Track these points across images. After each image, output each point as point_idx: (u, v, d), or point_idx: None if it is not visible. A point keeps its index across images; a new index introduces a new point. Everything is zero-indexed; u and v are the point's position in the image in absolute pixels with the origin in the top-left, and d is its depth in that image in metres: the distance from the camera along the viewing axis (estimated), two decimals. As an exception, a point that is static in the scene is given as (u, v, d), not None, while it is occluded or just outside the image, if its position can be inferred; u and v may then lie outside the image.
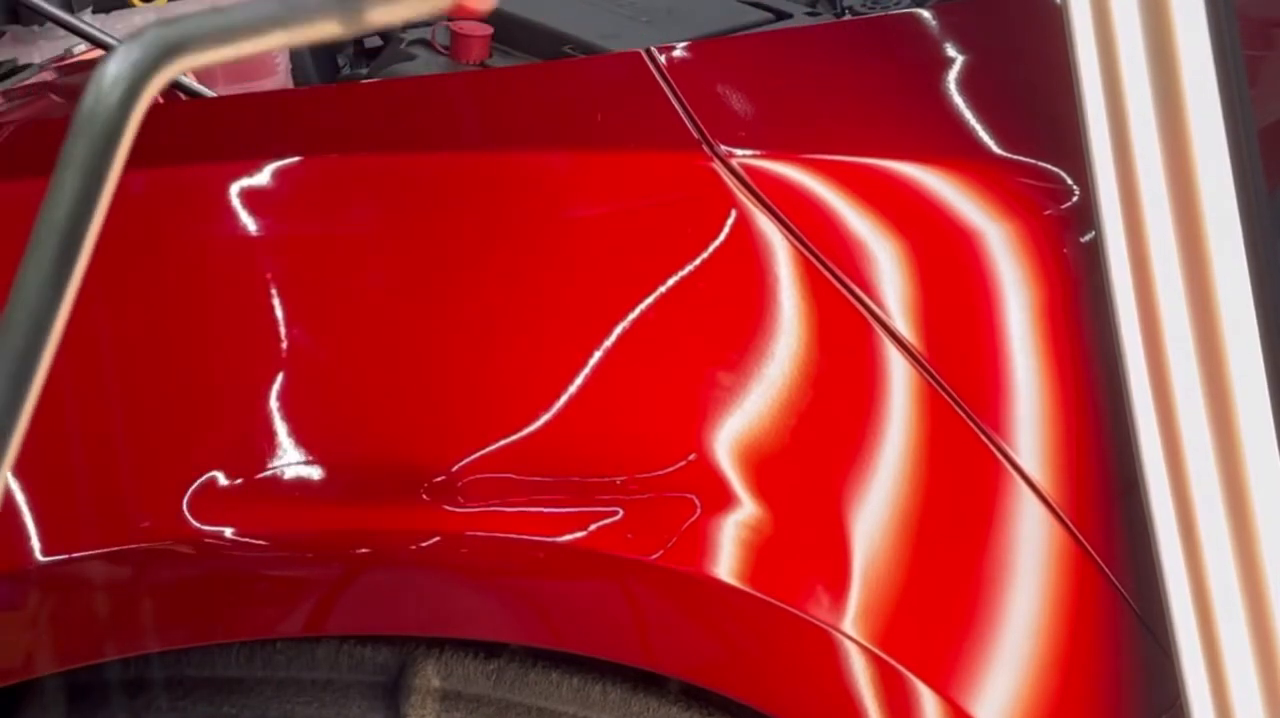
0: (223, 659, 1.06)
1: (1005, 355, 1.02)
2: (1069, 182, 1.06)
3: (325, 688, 1.07)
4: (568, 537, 0.94)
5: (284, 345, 0.98)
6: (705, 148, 1.01)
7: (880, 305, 1.00)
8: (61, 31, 1.59)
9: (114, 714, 1.08)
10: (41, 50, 1.67)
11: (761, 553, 0.95)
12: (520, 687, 1.05)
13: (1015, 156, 1.08)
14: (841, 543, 0.97)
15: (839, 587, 0.96)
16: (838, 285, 1.00)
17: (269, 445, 0.95)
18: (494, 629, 1.02)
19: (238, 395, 0.97)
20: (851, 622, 0.96)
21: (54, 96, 1.41)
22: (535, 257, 0.99)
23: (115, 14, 1.73)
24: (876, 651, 0.96)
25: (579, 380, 0.96)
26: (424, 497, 0.94)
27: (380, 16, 0.63)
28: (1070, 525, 1.02)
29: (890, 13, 1.45)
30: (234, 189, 1.01)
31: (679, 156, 1.01)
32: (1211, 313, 0.98)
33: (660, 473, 0.95)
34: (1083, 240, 1.05)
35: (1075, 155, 1.01)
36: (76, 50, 1.59)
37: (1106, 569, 1.03)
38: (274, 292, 0.99)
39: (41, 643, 1.00)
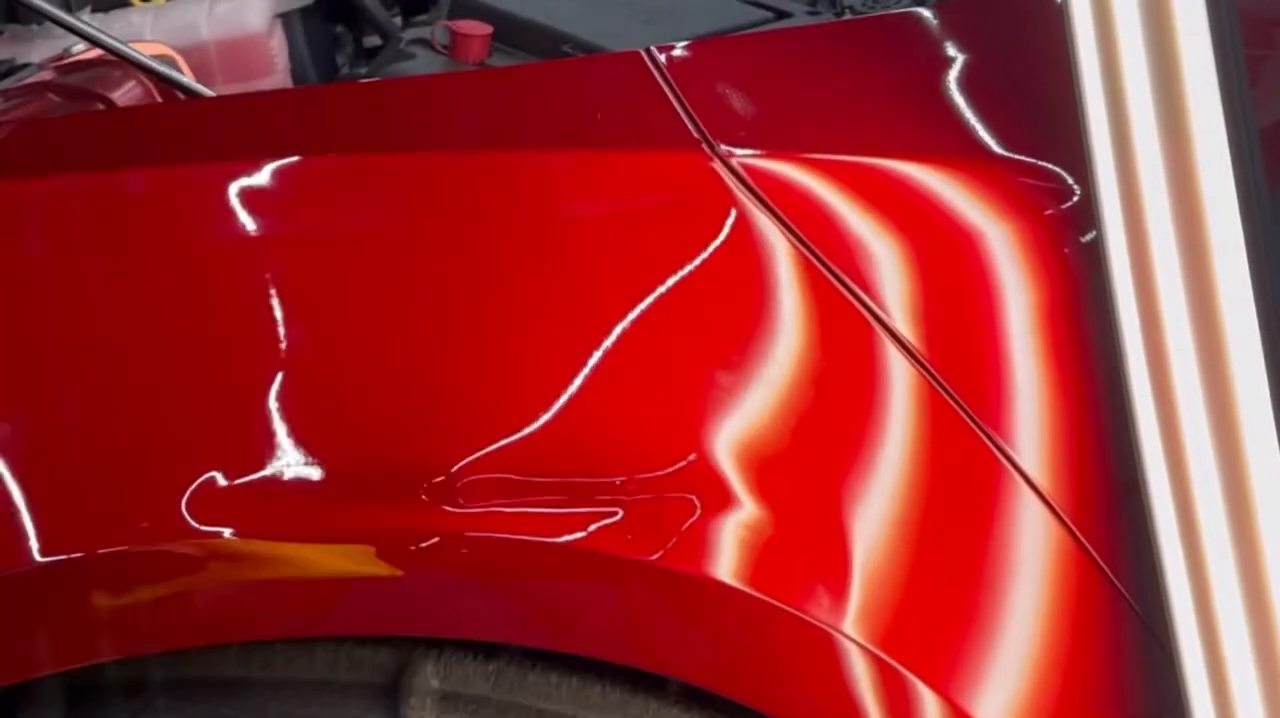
0: (221, 660, 1.06)
1: (1005, 355, 1.02)
2: (1069, 181, 1.06)
3: (324, 689, 1.07)
4: (568, 537, 0.94)
5: (284, 345, 0.98)
6: (705, 148, 1.01)
7: (880, 305, 1.00)
8: (60, 31, 1.60)
9: (113, 715, 1.08)
10: (40, 50, 1.67)
11: (761, 553, 0.95)
12: (519, 688, 1.04)
13: (1015, 156, 1.08)
14: (841, 543, 0.97)
15: (839, 587, 0.96)
16: (838, 285, 1.00)
17: (269, 445, 0.95)
18: (494, 630, 1.02)
19: (237, 395, 0.97)
20: (851, 622, 0.96)
21: (53, 96, 1.41)
22: (535, 256, 0.99)
23: (114, 14, 1.74)
24: (876, 651, 0.96)
25: (579, 380, 0.96)
26: (424, 497, 0.94)
27: None
28: (1070, 526, 1.02)
29: (890, 13, 1.45)
30: (234, 189, 1.01)
31: (679, 156, 1.01)
32: (1211, 313, 0.98)
33: (660, 473, 0.95)
34: (1083, 240, 1.05)
35: (1075, 155, 1.01)
36: (75, 50, 1.59)
37: (1106, 569, 1.02)
38: (274, 291, 0.98)
39: (41, 643, 1.00)
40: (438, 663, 1.04)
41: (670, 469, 0.96)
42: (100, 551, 0.96)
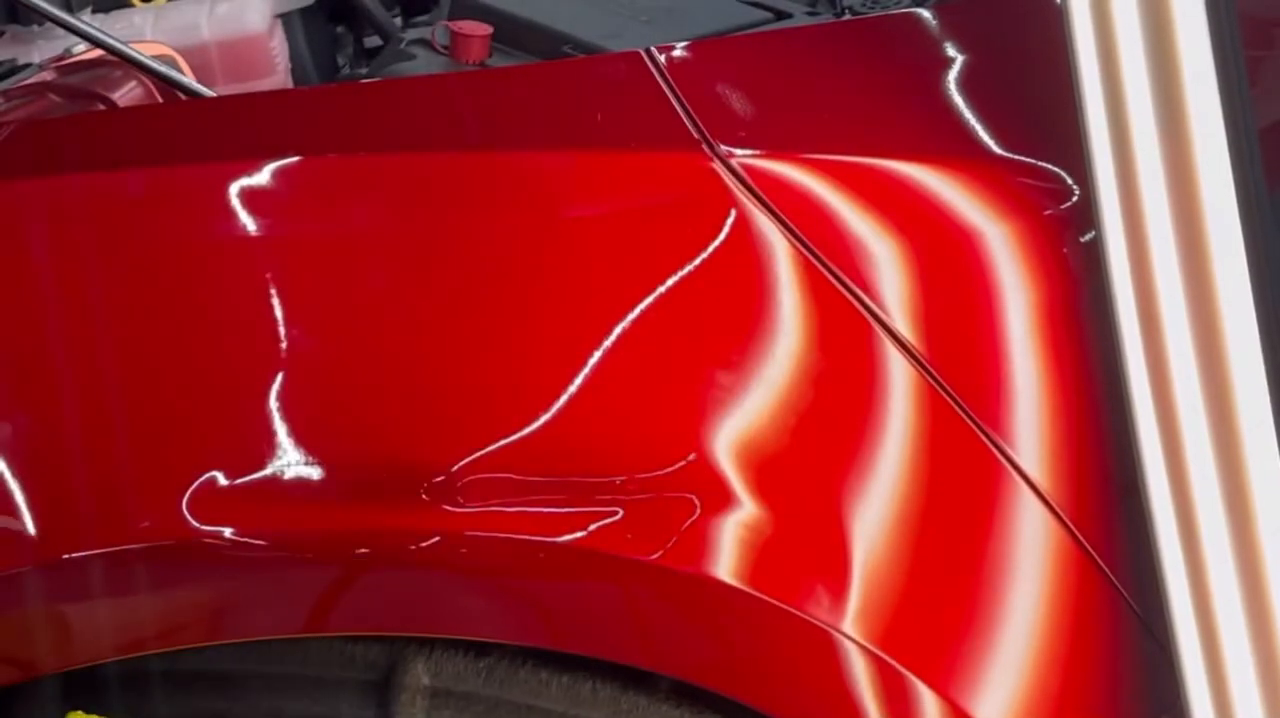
0: (215, 654, 1.06)
1: (1005, 355, 1.02)
2: (1069, 181, 1.06)
3: (316, 685, 1.07)
4: (568, 537, 0.94)
5: (284, 345, 0.98)
6: (705, 148, 1.01)
7: (880, 305, 1.00)
8: (61, 31, 1.60)
9: (109, 707, 1.08)
10: (41, 50, 1.67)
11: (761, 553, 0.95)
12: (510, 685, 1.05)
13: (1015, 156, 1.08)
14: (841, 543, 0.97)
15: (839, 587, 0.96)
16: (838, 285, 1.00)
17: (269, 445, 0.95)
18: (494, 630, 1.02)
19: (238, 396, 0.97)
20: (851, 622, 0.96)
21: (54, 96, 1.41)
22: (535, 256, 0.99)
23: (115, 14, 1.74)
24: (876, 651, 0.96)
25: (579, 380, 0.96)
26: (424, 497, 0.94)
27: None
28: (1070, 526, 1.02)
29: (890, 13, 1.45)
30: (234, 189, 1.01)
31: (679, 156, 1.01)
32: (1211, 313, 0.98)
33: (660, 473, 0.95)
34: (1083, 240, 1.05)
35: (1075, 155, 1.01)
36: (76, 50, 1.59)
37: (1106, 569, 1.02)
38: (274, 292, 0.99)
39: (41, 643, 1.00)
40: (429, 660, 1.05)
41: (670, 469, 0.96)
42: (100, 550, 0.96)
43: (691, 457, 0.96)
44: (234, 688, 1.07)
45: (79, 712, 1.02)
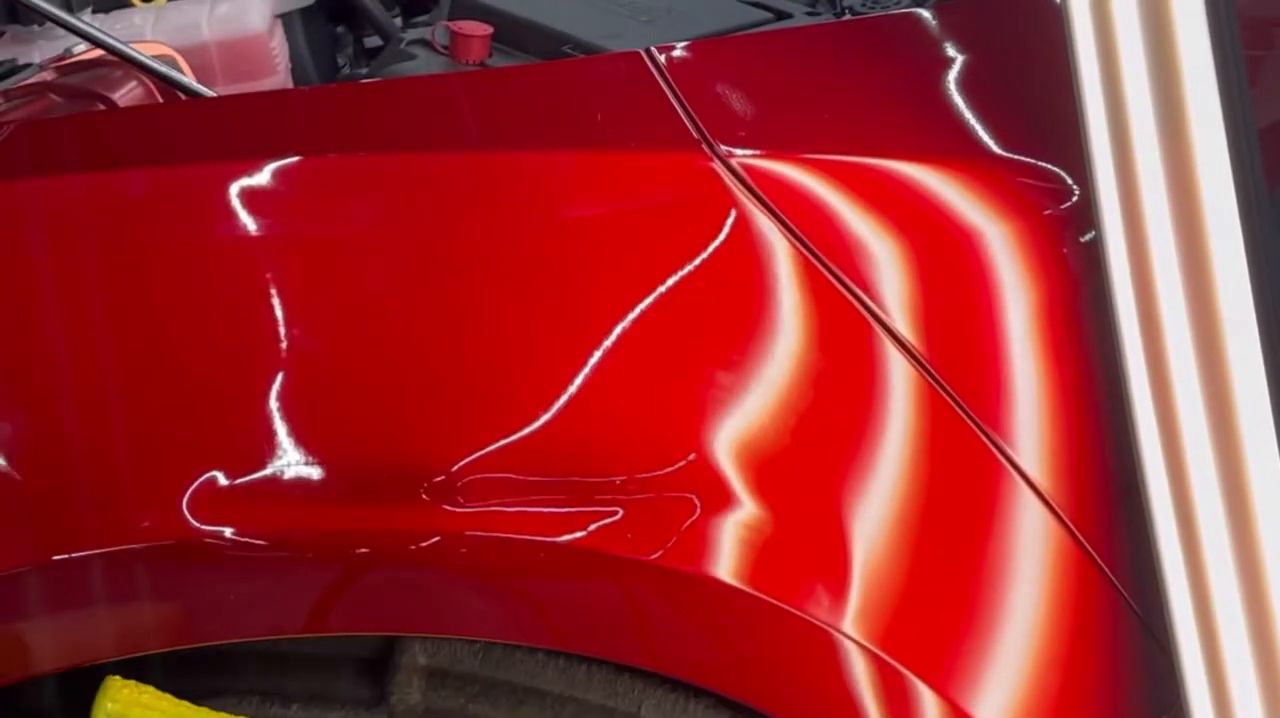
0: None
1: (1005, 355, 1.02)
2: (1069, 181, 1.06)
3: (313, 664, 1.07)
4: (568, 537, 0.94)
5: (284, 345, 0.98)
6: (705, 148, 1.01)
7: (880, 305, 1.00)
8: (61, 31, 1.60)
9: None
10: (41, 50, 1.67)
11: (761, 553, 0.95)
12: (506, 666, 1.05)
13: (1015, 156, 1.08)
14: (841, 543, 0.97)
15: (839, 587, 0.96)
16: (838, 285, 1.00)
17: (269, 445, 0.95)
18: (494, 630, 1.03)
19: (238, 396, 0.97)
20: (851, 622, 0.96)
21: (54, 96, 1.41)
22: (535, 256, 0.99)
23: (115, 14, 1.74)
24: (876, 651, 0.96)
25: (579, 380, 0.96)
26: (424, 497, 0.94)
27: None
28: (1070, 526, 1.02)
29: (890, 13, 1.45)
30: (234, 189, 1.01)
31: (679, 156, 1.01)
32: (1211, 313, 0.98)
33: (660, 473, 0.95)
34: (1083, 240, 1.05)
35: (1075, 155, 1.01)
36: (76, 50, 1.59)
37: (1106, 569, 1.03)
38: (274, 292, 0.99)
39: (42, 643, 1.00)
40: (426, 640, 1.05)
41: (670, 469, 0.96)
42: (100, 550, 0.96)
43: (691, 457, 0.96)
44: (231, 667, 1.07)
45: (117, 676, 1.02)
